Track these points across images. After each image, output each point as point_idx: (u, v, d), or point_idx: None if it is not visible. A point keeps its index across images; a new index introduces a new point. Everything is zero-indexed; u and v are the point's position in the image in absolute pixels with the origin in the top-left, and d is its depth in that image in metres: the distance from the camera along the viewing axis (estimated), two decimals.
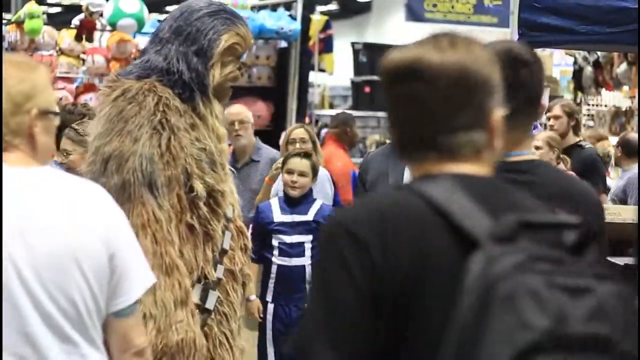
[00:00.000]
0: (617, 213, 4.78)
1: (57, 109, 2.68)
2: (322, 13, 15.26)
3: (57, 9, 23.06)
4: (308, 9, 11.55)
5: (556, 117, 7.70)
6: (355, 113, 11.81)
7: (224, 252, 3.53)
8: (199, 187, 3.42)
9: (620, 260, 4.53)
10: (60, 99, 9.91)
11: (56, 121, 2.67)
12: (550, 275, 1.70)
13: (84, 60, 9.98)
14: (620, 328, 1.70)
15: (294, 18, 10.44)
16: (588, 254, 1.79)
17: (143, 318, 3.18)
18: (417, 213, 1.89)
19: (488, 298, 1.68)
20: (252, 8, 10.57)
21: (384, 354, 1.88)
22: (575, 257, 1.77)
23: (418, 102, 1.94)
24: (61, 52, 9.92)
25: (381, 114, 13.75)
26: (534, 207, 2.01)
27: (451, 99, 1.94)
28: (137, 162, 3.33)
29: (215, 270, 3.49)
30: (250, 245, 3.73)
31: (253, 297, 6.11)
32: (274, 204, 6.17)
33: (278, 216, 5.99)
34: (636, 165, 9.21)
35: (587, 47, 5.56)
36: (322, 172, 7.02)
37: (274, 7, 10.75)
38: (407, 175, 3.85)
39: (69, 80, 10.00)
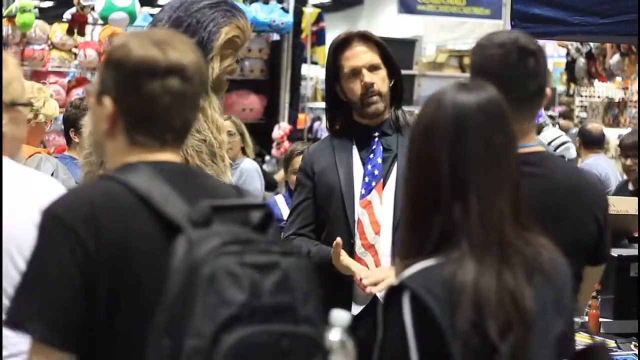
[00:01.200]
0: (611, 205, 4.77)
1: (26, 101, 2.75)
2: (315, 6, 15.22)
3: (50, 3, 22.99)
4: (300, 1, 11.52)
5: None
6: None
7: None
8: None
9: (614, 252, 4.52)
10: (52, 93, 9.87)
11: (26, 112, 2.76)
12: (241, 255, 1.96)
13: (75, 54, 9.94)
14: (301, 296, 2.00)
15: (286, 11, 10.41)
16: (270, 230, 2.09)
17: None
18: (123, 201, 2.12)
19: (192, 280, 1.93)
20: (244, 1, 10.54)
21: (104, 333, 2.10)
22: (260, 235, 2.06)
23: (180, 96, 2.20)
24: (53, 46, 9.88)
25: None
26: (224, 191, 2.28)
27: (198, 94, 2.27)
28: None
29: None
30: None
31: None
32: (280, 200, 5.95)
33: (287, 213, 5.47)
34: (592, 156, 9.23)
35: (580, 38, 5.54)
36: (251, 166, 6.78)
37: (266, 0, 10.72)
38: (358, 166, 3.86)
39: (61, 74, 9.96)
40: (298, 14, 11.01)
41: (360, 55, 3.87)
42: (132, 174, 2.15)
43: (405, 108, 13.14)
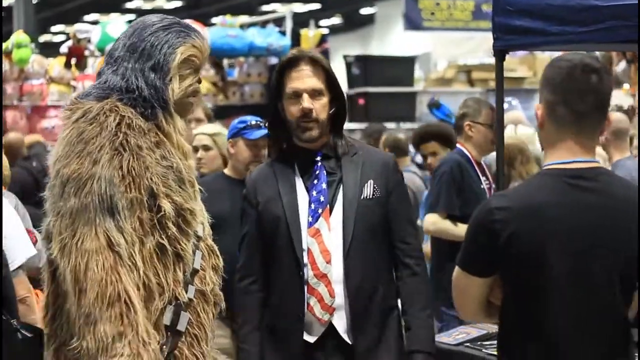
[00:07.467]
0: None
1: None
2: (327, 27, 15.19)
3: (47, 37, 23.06)
4: (300, 24, 11.50)
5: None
6: (351, 125, 11.70)
7: (194, 272, 3.46)
8: (167, 206, 3.34)
9: None
10: (53, 127, 9.89)
11: None
12: None
13: (74, 87, 9.96)
14: None
15: (283, 34, 10.41)
16: None
17: (81, 351, 3.13)
18: None
19: None
20: (241, 26, 10.53)
21: None
22: None
23: None
24: (51, 80, 9.91)
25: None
26: None
27: None
28: (95, 186, 3.25)
29: (186, 291, 3.43)
30: (221, 264, 3.61)
31: None
32: None
33: None
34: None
35: (561, 47, 5.46)
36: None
37: (263, 24, 10.70)
38: (302, 194, 3.79)
39: (61, 108, 9.99)
40: (296, 37, 10.99)
41: (305, 79, 3.82)
42: None
43: (407, 125, 12.87)
